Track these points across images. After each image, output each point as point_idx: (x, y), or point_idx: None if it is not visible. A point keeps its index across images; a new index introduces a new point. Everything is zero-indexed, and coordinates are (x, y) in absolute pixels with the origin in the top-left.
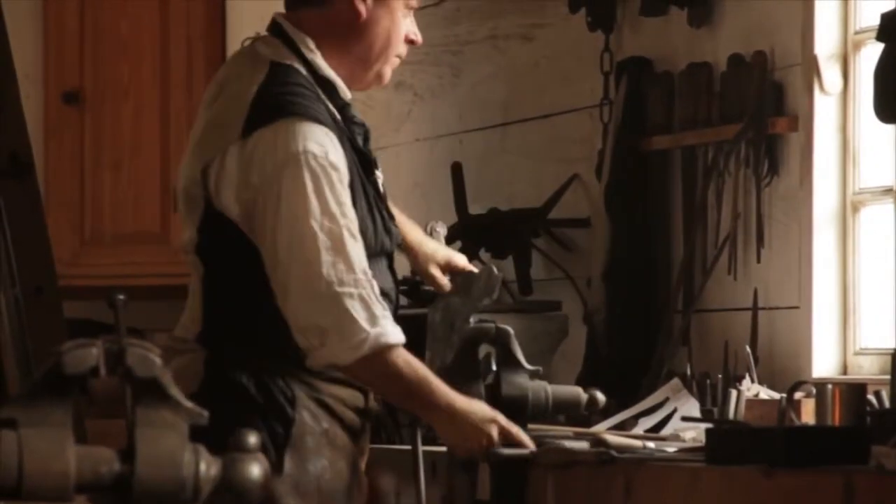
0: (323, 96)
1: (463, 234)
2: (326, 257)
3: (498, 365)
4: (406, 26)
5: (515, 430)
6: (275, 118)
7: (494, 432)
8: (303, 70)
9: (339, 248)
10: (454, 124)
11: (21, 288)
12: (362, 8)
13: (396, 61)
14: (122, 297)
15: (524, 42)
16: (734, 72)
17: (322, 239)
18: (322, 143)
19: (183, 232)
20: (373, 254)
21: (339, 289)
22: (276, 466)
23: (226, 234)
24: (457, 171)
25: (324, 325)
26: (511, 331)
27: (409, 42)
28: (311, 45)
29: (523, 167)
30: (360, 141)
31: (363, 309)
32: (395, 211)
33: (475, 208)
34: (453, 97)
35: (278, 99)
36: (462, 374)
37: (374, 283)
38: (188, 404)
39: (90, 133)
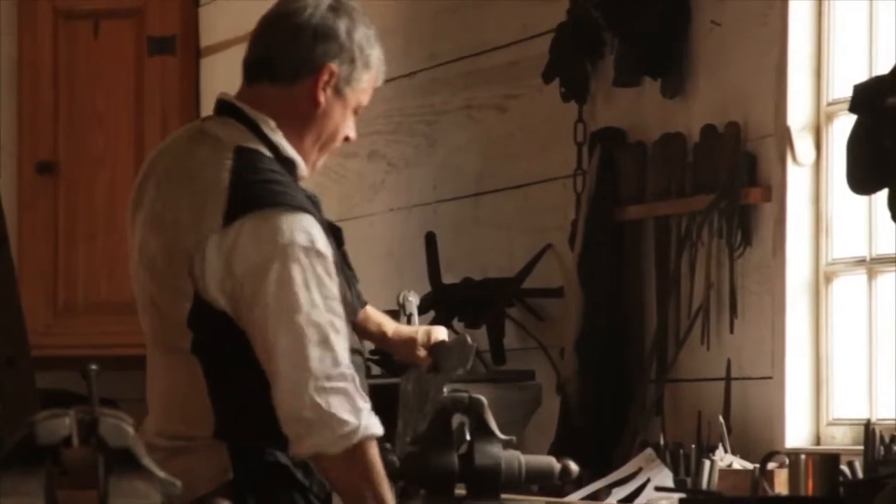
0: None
1: (436, 303)
2: (314, 353)
3: (471, 434)
4: (349, 124)
5: None
6: (254, 208)
7: None
8: (267, 152)
9: (325, 343)
10: (428, 194)
11: None
12: (322, 98)
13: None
14: (94, 367)
15: (498, 112)
16: (707, 142)
17: (310, 334)
18: (309, 232)
19: (145, 324)
20: (348, 319)
21: (326, 384)
22: None
23: (221, 327)
24: (430, 240)
25: (311, 418)
26: (484, 400)
27: (345, 140)
28: (273, 124)
29: (497, 237)
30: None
31: (348, 402)
32: (368, 307)
33: (448, 278)
34: (427, 167)
35: (255, 188)
36: (435, 444)
37: (357, 375)
38: (161, 474)
39: (64, 203)
